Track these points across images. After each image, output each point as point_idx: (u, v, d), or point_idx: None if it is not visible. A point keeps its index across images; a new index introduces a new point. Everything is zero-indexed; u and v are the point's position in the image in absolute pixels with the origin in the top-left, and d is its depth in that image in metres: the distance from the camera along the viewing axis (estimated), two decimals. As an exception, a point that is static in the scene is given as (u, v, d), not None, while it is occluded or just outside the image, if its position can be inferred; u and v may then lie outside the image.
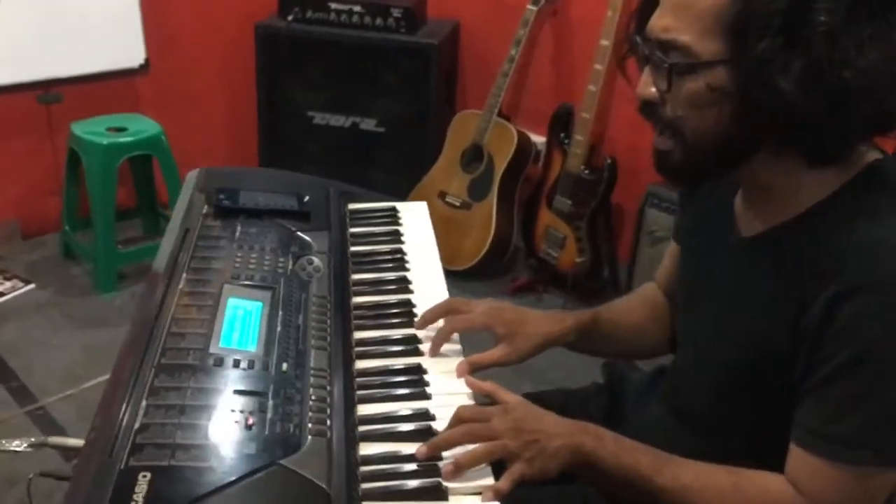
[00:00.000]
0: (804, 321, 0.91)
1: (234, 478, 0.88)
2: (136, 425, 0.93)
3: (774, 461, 0.96)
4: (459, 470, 0.95)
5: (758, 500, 0.95)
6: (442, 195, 3.04)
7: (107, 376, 0.95)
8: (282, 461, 0.91)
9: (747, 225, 1.05)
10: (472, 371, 1.13)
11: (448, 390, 1.09)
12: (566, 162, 2.80)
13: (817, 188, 0.95)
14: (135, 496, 0.84)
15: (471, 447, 0.96)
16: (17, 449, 0.92)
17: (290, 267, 1.29)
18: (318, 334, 1.14)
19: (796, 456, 0.93)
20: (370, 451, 0.98)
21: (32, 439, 0.93)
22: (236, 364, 1.05)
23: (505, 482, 0.94)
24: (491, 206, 2.93)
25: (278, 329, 1.14)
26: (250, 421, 0.95)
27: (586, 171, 2.76)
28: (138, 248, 3.00)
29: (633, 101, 1.00)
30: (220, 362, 1.05)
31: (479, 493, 0.94)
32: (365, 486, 0.92)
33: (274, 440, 0.94)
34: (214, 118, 3.46)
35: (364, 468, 0.95)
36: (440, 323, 1.19)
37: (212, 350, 1.07)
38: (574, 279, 2.80)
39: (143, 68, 3.13)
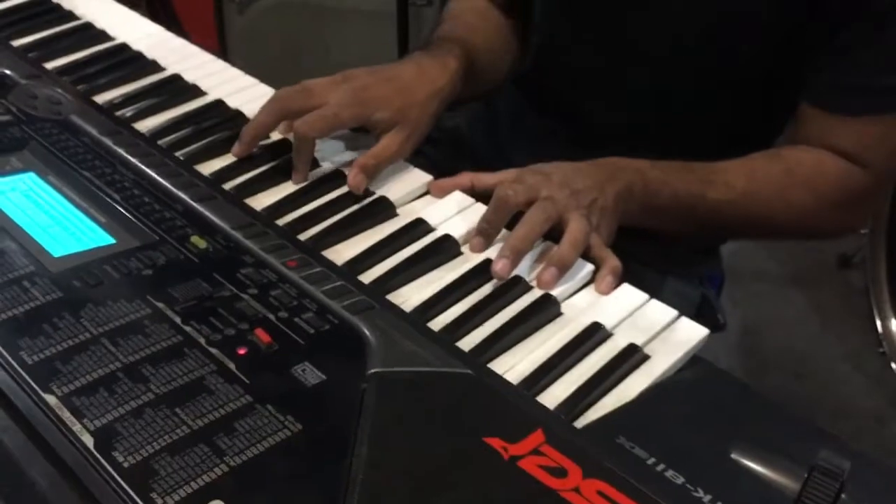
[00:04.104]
0: None
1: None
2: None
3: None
4: (564, 266, 0.64)
5: (815, 180, 0.79)
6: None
7: None
8: (377, 369, 0.52)
9: None
10: (373, 173, 0.76)
11: (400, 193, 0.74)
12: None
13: None
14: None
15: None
16: None
17: (9, 108, 0.74)
18: (179, 181, 0.68)
19: (833, 125, 0.78)
20: (414, 302, 0.61)
21: None
22: (121, 270, 0.57)
23: (611, 256, 0.67)
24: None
25: (108, 197, 0.65)
26: (265, 340, 0.52)
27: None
28: None
29: None
30: (94, 280, 0.56)
31: (582, 288, 0.65)
32: (464, 341, 0.58)
33: (320, 347, 0.53)
34: None
35: (436, 322, 0.59)
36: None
37: (56, 269, 0.56)
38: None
39: None
